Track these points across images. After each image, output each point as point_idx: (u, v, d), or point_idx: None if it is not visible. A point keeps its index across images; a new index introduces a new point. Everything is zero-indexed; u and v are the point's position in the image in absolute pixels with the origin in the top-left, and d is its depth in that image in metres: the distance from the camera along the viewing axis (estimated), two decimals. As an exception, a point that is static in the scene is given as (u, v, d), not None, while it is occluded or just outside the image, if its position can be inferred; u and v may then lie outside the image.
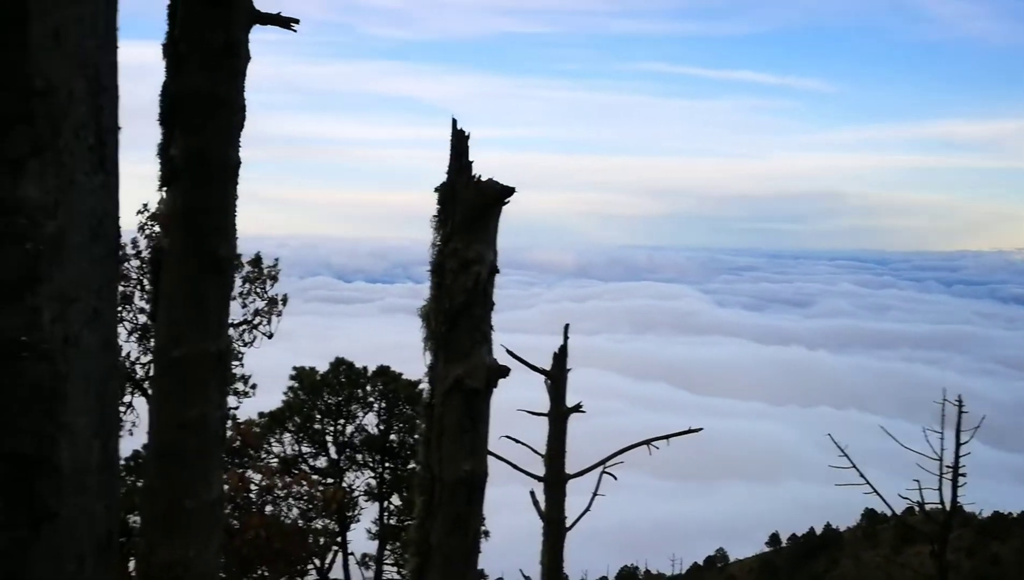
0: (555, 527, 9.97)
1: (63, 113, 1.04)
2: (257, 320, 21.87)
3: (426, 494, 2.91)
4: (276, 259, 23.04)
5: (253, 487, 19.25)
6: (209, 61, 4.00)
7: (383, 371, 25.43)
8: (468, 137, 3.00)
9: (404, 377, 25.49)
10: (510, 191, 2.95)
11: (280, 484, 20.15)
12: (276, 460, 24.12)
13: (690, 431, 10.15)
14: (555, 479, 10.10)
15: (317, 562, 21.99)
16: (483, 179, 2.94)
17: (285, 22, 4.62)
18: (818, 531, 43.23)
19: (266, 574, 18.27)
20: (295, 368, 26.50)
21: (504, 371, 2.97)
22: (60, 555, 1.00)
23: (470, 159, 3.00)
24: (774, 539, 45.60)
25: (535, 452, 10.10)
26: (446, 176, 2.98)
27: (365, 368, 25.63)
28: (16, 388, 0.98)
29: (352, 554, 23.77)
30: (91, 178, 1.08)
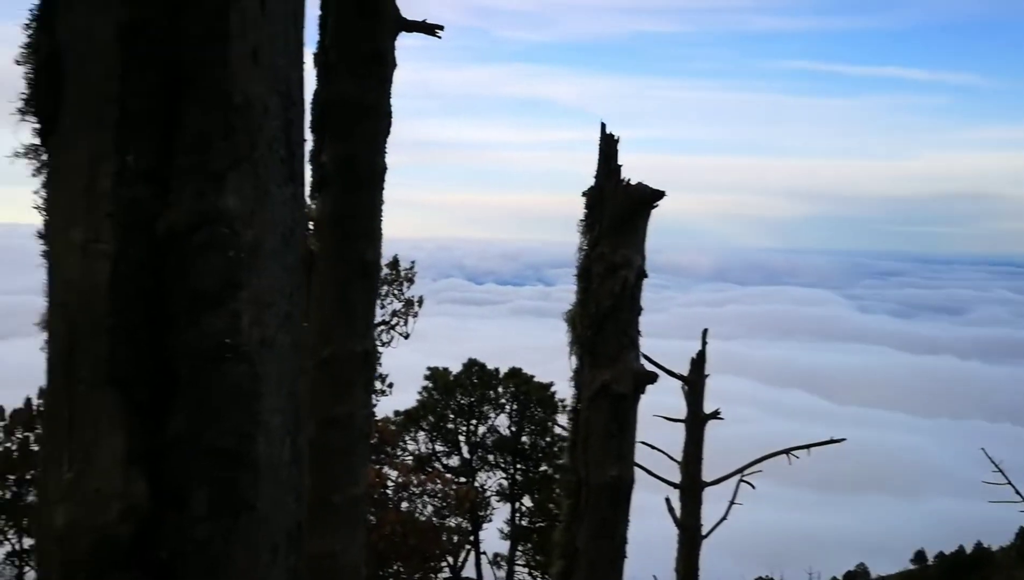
0: (690, 535, 9.83)
1: (259, 128, 1.09)
2: (394, 321, 22.43)
3: (572, 498, 2.92)
4: (412, 262, 23.58)
5: (390, 483, 19.74)
6: (358, 69, 4.14)
7: (515, 373, 25.66)
8: (617, 141, 3.00)
9: (536, 379, 25.65)
10: (660, 194, 2.93)
11: (415, 481, 20.60)
12: (411, 458, 24.65)
13: (832, 441, 9.85)
14: (691, 486, 9.96)
15: (450, 560, 22.37)
16: (631, 182, 2.94)
17: (430, 29, 4.71)
18: (968, 549, 41.09)
19: (401, 570, 18.69)
20: (429, 368, 27.02)
21: (652, 377, 2.95)
22: (257, 545, 1.06)
23: (619, 163, 3.00)
24: (920, 556, 43.63)
25: (671, 458, 10.01)
26: (594, 180, 2.99)
27: (497, 370, 25.92)
28: (219, 387, 1.04)
29: (484, 553, 24.06)
30: (283, 189, 1.13)
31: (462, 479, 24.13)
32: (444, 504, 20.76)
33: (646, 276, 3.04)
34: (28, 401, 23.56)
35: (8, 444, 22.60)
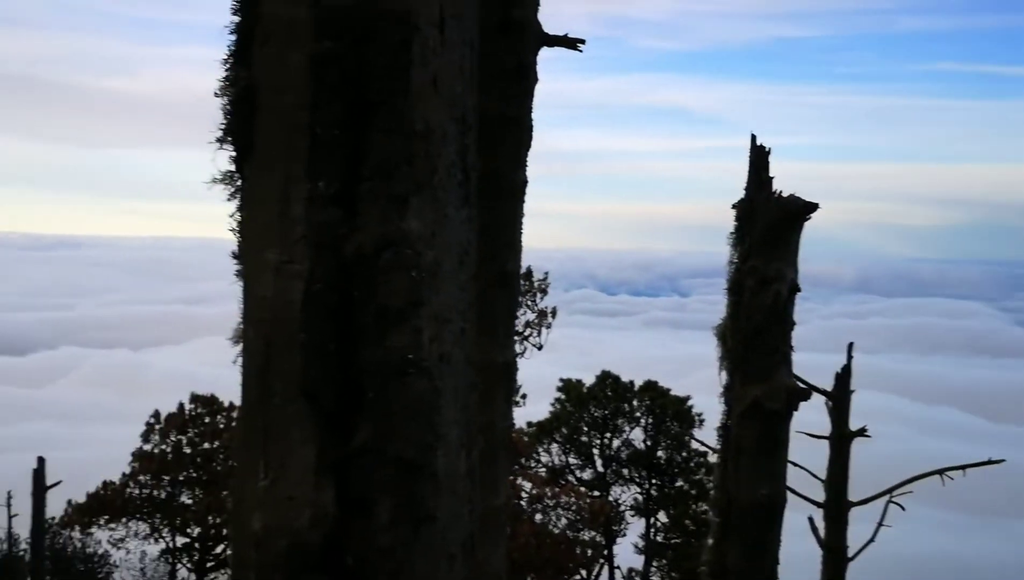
0: (835, 556, 9.49)
1: (438, 153, 1.14)
2: (527, 332, 22.58)
3: (721, 516, 2.88)
4: (546, 273, 23.69)
5: (523, 495, 19.84)
6: (501, 84, 4.22)
7: (650, 386, 25.39)
8: (768, 152, 2.96)
9: (672, 393, 25.31)
10: (813, 207, 2.87)
11: (549, 494, 20.63)
12: (544, 470, 24.72)
13: (990, 462, 9.34)
14: (836, 506, 9.63)
15: (583, 573, 22.27)
16: (782, 194, 2.89)
17: (572, 43, 4.76)
18: None
19: (535, 580, 18.74)
20: (562, 380, 27.04)
21: (805, 394, 2.88)
22: (436, 554, 1.10)
23: (770, 174, 2.95)
24: (1084, 588, 40.77)
25: (814, 476, 9.71)
26: (744, 191, 2.96)
27: (632, 382, 25.70)
28: (402, 401, 1.08)
29: (618, 568, 23.85)
30: (459, 211, 1.18)
31: (596, 493, 24.03)
32: (578, 517, 20.70)
33: (799, 290, 2.97)
34: (181, 405, 24.82)
35: (163, 446, 23.85)
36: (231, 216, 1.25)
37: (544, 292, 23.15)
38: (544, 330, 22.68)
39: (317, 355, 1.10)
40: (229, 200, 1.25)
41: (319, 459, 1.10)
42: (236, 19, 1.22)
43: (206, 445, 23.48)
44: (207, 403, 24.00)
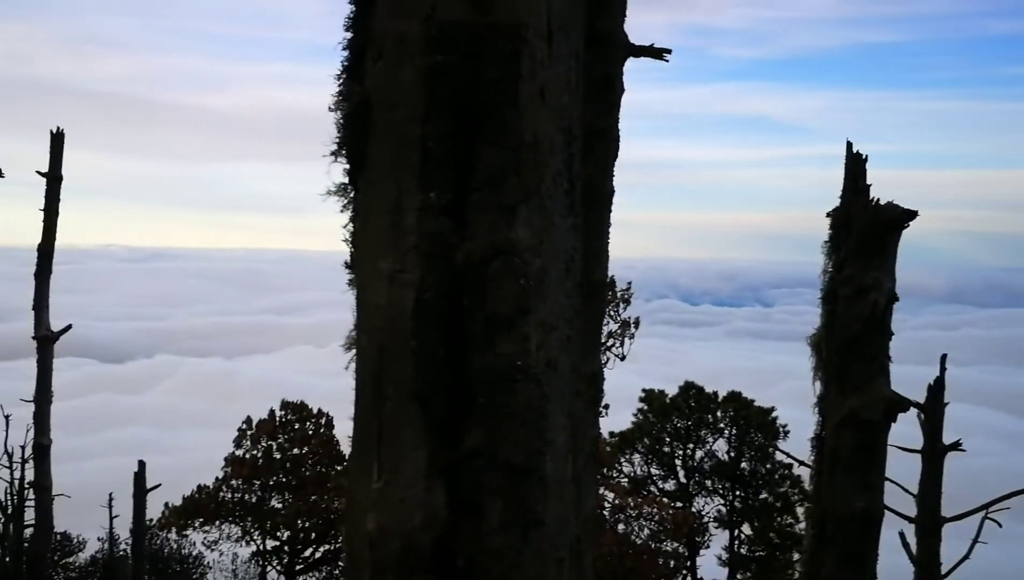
0: (928, 573, 9.21)
1: (546, 163, 1.16)
2: (610, 342, 22.49)
3: (816, 528, 2.83)
4: (629, 283, 23.59)
5: (606, 505, 19.74)
6: (589, 96, 4.25)
7: (734, 397, 25.03)
8: (866, 160, 2.90)
9: (756, 404, 24.92)
10: (912, 214, 2.81)
11: (631, 504, 20.49)
12: (626, 480, 24.57)
13: (1096, 479, 8.95)
14: (929, 522, 9.34)
15: (667, 585, 22.03)
16: (880, 202, 2.83)
17: (658, 53, 4.76)
18: None
19: (618, 592, 18.62)
20: (644, 390, 26.85)
21: (904, 405, 2.81)
22: (544, 558, 1.11)
23: (867, 182, 2.90)
24: None
25: (906, 491, 9.45)
26: (839, 199, 2.91)
27: (715, 393, 25.39)
28: (512, 406, 1.10)
29: (701, 579, 23.52)
30: (565, 220, 1.19)
31: (678, 504, 23.78)
32: (660, 528, 20.51)
33: (896, 299, 2.91)
34: (272, 412, 25.39)
35: (254, 452, 24.43)
36: (344, 227, 1.29)
37: (627, 302, 23.05)
38: (627, 340, 22.57)
39: (428, 361, 1.13)
40: (342, 212, 1.29)
41: (430, 462, 1.13)
42: (348, 35, 1.27)
43: (295, 451, 23.99)
44: (297, 410, 24.53)
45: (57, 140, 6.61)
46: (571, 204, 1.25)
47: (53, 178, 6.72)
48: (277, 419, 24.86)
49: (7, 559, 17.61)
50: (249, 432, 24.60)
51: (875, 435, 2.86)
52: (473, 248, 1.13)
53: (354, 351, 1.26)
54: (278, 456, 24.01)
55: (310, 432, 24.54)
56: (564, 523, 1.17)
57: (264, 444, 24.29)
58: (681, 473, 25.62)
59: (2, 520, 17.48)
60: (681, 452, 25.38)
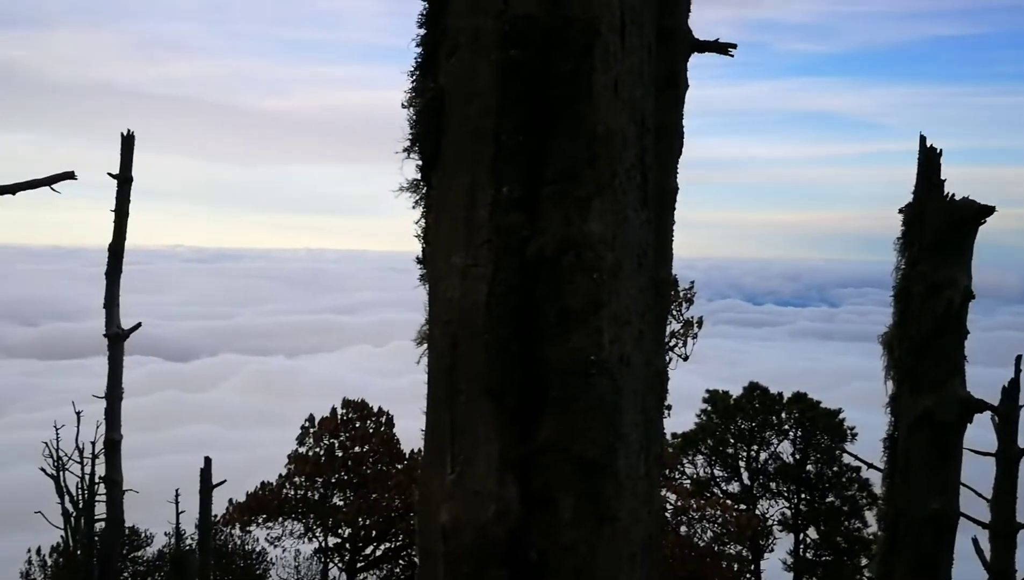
0: (1003, 581, 8.95)
1: (619, 156, 1.15)
2: (672, 342, 22.32)
3: (889, 530, 2.77)
4: (691, 282, 23.38)
5: (668, 506, 19.59)
6: (655, 92, 4.23)
7: (799, 398, 24.65)
8: (940, 154, 2.83)
9: (822, 405, 24.51)
10: (989, 210, 2.73)
11: (694, 506, 20.30)
12: (689, 482, 24.35)
13: None
14: (1004, 527, 9.09)
15: (730, 588, 21.76)
16: (955, 197, 2.75)
17: (723, 48, 4.70)
18: None
19: (680, 594, 18.46)
20: (708, 391, 26.58)
21: (980, 406, 2.74)
22: (618, 553, 1.11)
23: (942, 177, 2.82)
24: None
25: (979, 496, 9.20)
26: (912, 195, 2.84)
27: (780, 394, 25.04)
28: (585, 401, 1.10)
29: (766, 584, 23.20)
30: (638, 213, 1.19)
31: (742, 506, 23.49)
32: (724, 531, 20.28)
33: (972, 297, 2.82)
34: (333, 410, 25.70)
35: (316, 449, 24.75)
36: (416, 222, 1.30)
37: (690, 302, 22.85)
38: (690, 340, 22.37)
39: (501, 355, 1.14)
40: (414, 207, 1.30)
41: (503, 456, 1.13)
42: (421, 32, 1.27)
43: (356, 449, 24.25)
44: (358, 408, 24.80)
45: (128, 143, 6.78)
46: (644, 198, 1.24)
47: (124, 180, 6.89)
48: (338, 417, 25.15)
49: (79, 552, 18.10)
50: (311, 430, 24.93)
51: (949, 437, 2.79)
52: (546, 242, 1.13)
53: (426, 345, 1.26)
54: (340, 454, 24.29)
55: (371, 430, 24.79)
56: (637, 519, 1.16)
57: (326, 442, 24.59)
58: (745, 475, 25.32)
59: (74, 514, 17.97)
60: (745, 454, 25.07)
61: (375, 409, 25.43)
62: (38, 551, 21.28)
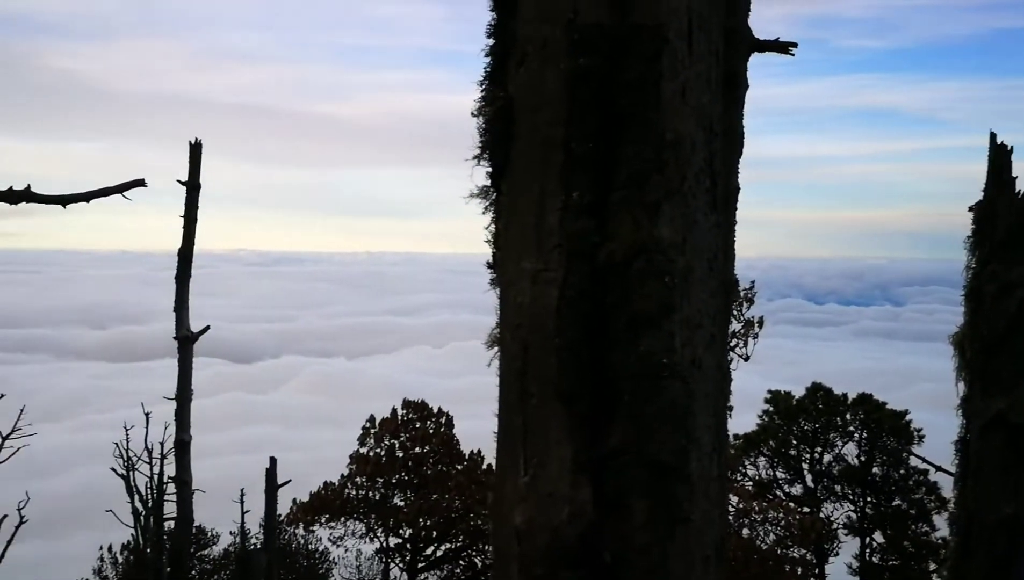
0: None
1: (688, 161, 1.16)
2: (733, 342, 22.10)
3: (960, 535, 2.72)
4: (752, 282, 23.12)
5: (730, 508, 19.38)
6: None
7: (864, 399, 24.22)
8: (1011, 151, 2.78)
9: (887, 406, 24.06)
10: (1063, 209, 2.67)
11: (756, 508, 20.07)
12: (750, 483, 24.07)
13: None
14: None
15: (794, 591, 21.45)
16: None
17: (783, 47, 4.65)
18: None
19: (743, 598, 18.25)
20: (770, 391, 26.25)
21: (1056, 407, 2.67)
22: (692, 555, 1.11)
23: (1012, 174, 2.77)
24: None
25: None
26: (982, 193, 2.79)
27: (844, 395, 24.63)
28: (657, 404, 1.11)
29: (831, 588, 22.85)
30: (708, 217, 1.19)
31: (806, 509, 23.15)
32: (787, 534, 20.01)
33: (1047, 296, 2.76)
34: (394, 410, 25.94)
35: (377, 450, 24.99)
36: (486, 228, 1.32)
37: (750, 302, 22.60)
38: (751, 340, 22.12)
39: (572, 359, 1.15)
40: (484, 213, 1.32)
41: (575, 458, 1.14)
42: (490, 42, 1.30)
43: (417, 449, 24.44)
44: (418, 409, 25.00)
45: (195, 150, 6.93)
46: (713, 201, 1.25)
47: (192, 187, 7.04)
48: (399, 418, 25.37)
49: (148, 550, 18.52)
50: (372, 430, 25.18)
51: (1023, 439, 2.74)
52: (616, 247, 1.15)
53: (496, 348, 1.29)
54: (400, 455, 24.50)
55: (431, 431, 24.95)
56: (710, 521, 1.17)
57: (387, 442, 24.83)
58: (808, 477, 24.96)
59: (143, 513, 18.40)
60: (808, 455, 24.71)
61: (435, 410, 25.60)
62: (109, 548, 21.85)
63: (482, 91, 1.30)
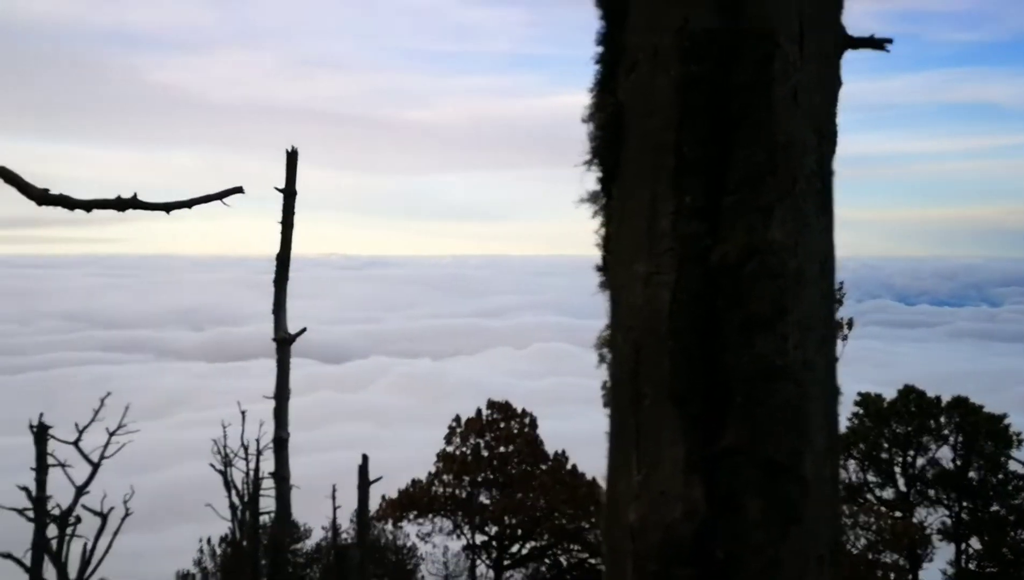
0: None
1: (799, 164, 1.18)
2: (822, 343, 21.67)
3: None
4: (841, 282, 22.64)
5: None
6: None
7: (960, 402, 23.52)
8: None
9: (984, 410, 23.31)
10: None
11: (847, 512, 19.66)
12: (840, 487, 23.57)
13: None
14: None
15: (887, 598, 20.94)
16: None
17: (878, 44, 4.56)
18: None
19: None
20: (860, 394, 25.70)
21: None
22: (805, 555, 1.13)
23: None
24: None
25: None
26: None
27: (938, 397, 23.95)
28: (771, 405, 1.13)
29: (926, 595, 22.26)
30: (819, 220, 1.20)
31: (898, 513, 22.57)
32: (879, 538, 19.56)
33: None
34: (479, 411, 26.12)
35: (463, 449, 25.22)
36: (596, 232, 1.35)
37: (840, 303, 22.14)
38: (840, 342, 21.66)
39: (684, 360, 1.17)
40: (593, 217, 1.35)
41: (688, 458, 1.17)
42: (599, 50, 1.33)
43: (501, 449, 24.59)
44: (502, 409, 25.14)
45: (292, 158, 7.13)
46: (824, 203, 1.25)
47: (289, 193, 7.25)
48: (484, 418, 25.54)
49: (244, 543, 19.08)
50: (458, 430, 25.39)
51: None
52: (729, 249, 1.17)
53: (604, 349, 1.31)
54: (485, 454, 24.69)
55: (515, 431, 25.03)
56: (823, 521, 1.18)
57: (472, 442, 25.03)
58: (901, 481, 24.33)
59: (240, 508, 18.95)
60: (901, 459, 24.09)
61: (519, 410, 25.71)
62: (208, 541, 22.58)
63: (592, 97, 1.33)
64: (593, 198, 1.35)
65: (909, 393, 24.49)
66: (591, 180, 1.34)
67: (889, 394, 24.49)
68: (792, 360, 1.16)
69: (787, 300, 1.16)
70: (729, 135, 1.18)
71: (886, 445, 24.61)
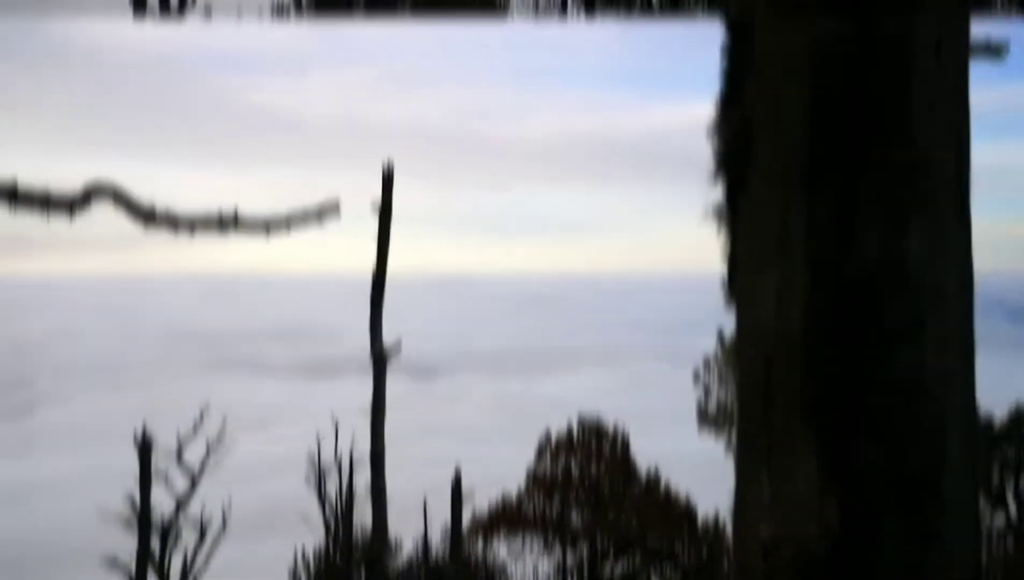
0: None
1: (936, 174, 1.15)
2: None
3: None
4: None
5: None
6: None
7: (1077, 426, 22.36)
8: None
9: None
10: None
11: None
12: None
13: None
14: None
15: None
16: None
17: (995, 51, 4.41)
18: None
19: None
20: (967, 416, 24.64)
21: None
22: (943, 575, 1.09)
23: None
24: None
25: None
26: None
27: (1052, 421, 22.83)
28: (907, 421, 1.10)
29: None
30: (957, 231, 1.17)
31: (1011, 540, 21.54)
32: (989, 567, 18.68)
33: None
34: (569, 429, 25.99)
35: (553, 467, 25.10)
36: (721, 246, 1.34)
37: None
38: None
39: (818, 373, 1.16)
40: (719, 231, 1.35)
41: (822, 473, 1.15)
42: (725, 63, 1.32)
43: (593, 468, 24.41)
44: (593, 428, 24.99)
45: (388, 179, 7.26)
46: (961, 215, 1.22)
47: (385, 211, 7.38)
48: (574, 436, 25.42)
49: (339, 556, 19.34)
50: (548, 448, 25.33)
51: None
52: (863, 262, 1.14)
53: (735, 364, 1.30)
54: (576, 473, 24.53)
55: (606, 450, 24.86)
56: (964, 540, 1.14)
57: (563, 460, 24.90)
58: (1012, 507, 23.24)
59: (333, 522, 19.22)
60: (1013, 485, 23.03)
61: (610, 429, 25.50)
62: (303, 554, 22.94)
63: (717, 111, 1.33)
64: (718, 210, 1.35)
65: (1021, 415, 23.43)
66: (716, 193, 1.33)
67: (999, 416, 23.48)
68: (930, 375, 1.13)
69: (925, 314, 1.13)
70: (863, 144, 1.17)
71: (997, 469, 23.55)
